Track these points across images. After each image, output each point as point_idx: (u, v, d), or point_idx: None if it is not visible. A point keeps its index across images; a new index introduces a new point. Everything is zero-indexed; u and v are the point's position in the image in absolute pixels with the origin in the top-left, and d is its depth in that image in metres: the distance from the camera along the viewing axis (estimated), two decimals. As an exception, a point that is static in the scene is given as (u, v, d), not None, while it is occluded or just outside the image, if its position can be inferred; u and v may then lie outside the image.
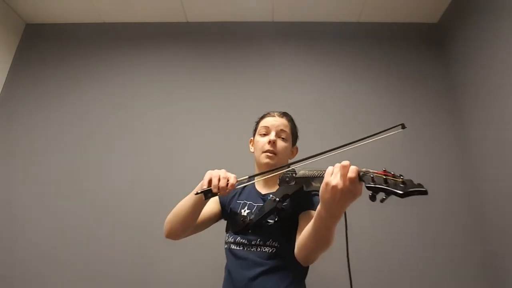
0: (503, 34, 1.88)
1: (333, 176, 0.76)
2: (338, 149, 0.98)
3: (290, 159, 1.25)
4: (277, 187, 1.07)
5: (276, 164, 1.15)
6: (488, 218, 1.96)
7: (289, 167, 1.02)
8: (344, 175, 0.74)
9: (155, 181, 2.12)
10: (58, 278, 1.90)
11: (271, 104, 2.30)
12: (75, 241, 1.98)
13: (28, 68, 2.47)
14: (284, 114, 1.29)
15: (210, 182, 0.96)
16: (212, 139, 2.21)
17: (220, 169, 1.02)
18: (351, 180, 0.73)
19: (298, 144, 1.35)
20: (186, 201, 1.07)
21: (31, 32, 2.61)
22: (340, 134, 2.22)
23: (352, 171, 0.73)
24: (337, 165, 0.77)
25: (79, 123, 2.29)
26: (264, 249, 1.05)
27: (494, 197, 1.92)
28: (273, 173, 1.03)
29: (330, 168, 0.79)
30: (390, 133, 1.00)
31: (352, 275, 0.90)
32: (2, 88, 2.39)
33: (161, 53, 2.51)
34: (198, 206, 1.05)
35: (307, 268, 1.10)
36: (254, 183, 1.24)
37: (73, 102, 2.36)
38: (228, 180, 0.96)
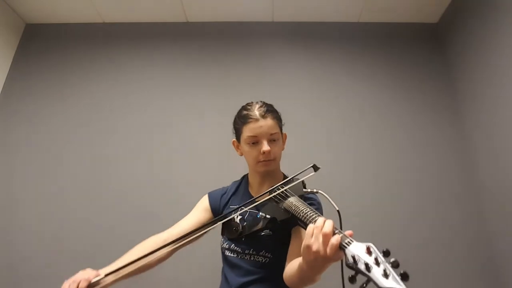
0: (503, 34, 1.88)
1: (313, 239, 0.70)
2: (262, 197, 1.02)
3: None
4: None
5: (275, 169, 1.16)
6: (488, 217, 1.96)
7: (276, 196, 1.00)
8: (325, 242, 0.68)
9: (154, 181, 2.11)
10: (58, 278, 1.90)
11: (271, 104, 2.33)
12: (75, 241, 1.98)
13: (28, 68, 2.46)
14: (266, 112, 1.11)
15: None
16: (213, 139, 2.21)
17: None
18: (332, 248, 0.67)
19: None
20: None
21: (31, 32, 2.61)
22: (340, 134, 2.22)
23: (335, 239, 0.67)
24: (318, 226, 0.71)
25: (79, 123, 2.29)
26: (258, 258, 1.07)
27: (494, 196, 1.92)
28: (256, 201, 1.03)
29: (310, 228, 0.72)
30: (306, 176, 1.01)
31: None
32: (2, 88, 2.38)
33: (161, 53, 2.50)
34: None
35: None
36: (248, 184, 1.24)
37: (73, 102, 2.36)
38: (77, 284, 0.94)
